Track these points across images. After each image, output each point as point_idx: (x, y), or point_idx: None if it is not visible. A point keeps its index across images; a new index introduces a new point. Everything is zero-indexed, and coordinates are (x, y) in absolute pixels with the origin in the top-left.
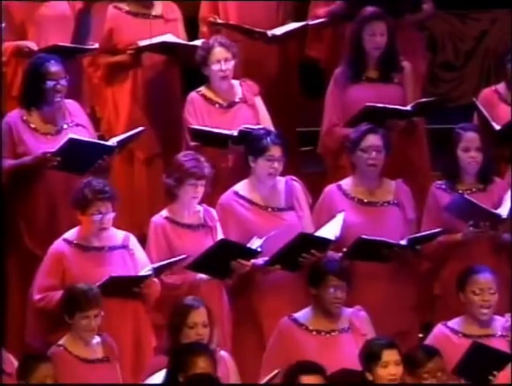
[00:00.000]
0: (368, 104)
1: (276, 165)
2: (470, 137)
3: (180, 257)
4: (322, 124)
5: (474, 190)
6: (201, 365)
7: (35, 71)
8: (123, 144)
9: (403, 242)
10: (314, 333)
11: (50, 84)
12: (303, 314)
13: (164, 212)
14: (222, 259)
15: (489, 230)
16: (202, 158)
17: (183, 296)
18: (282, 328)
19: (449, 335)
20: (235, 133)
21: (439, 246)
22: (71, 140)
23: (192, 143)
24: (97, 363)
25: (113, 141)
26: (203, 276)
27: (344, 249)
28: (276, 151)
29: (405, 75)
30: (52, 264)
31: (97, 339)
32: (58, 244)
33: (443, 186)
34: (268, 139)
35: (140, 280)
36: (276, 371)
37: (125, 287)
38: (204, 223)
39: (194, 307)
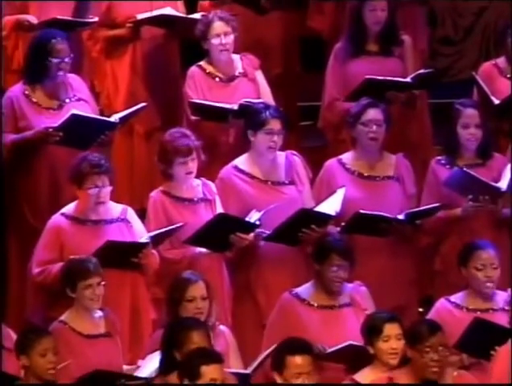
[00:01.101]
0: (368, 76)
1: (275, 138)
2: (469, 114)
3: (177, 225)
4: (323, 98)
5: (473, 165)
6: (195, 340)
7: (40, 46)
8: (125, 120)
9: (401, 217)
10: (316, 308)
11: (54, 61)
12: (304, 289)
13: (163, 187)
14: (221, 233)
15: (488, 204)
16: (188, 132)
17: (184, 270)
18: (284, 303)
19: (452, 310)
20: (235, 107)
21: (438, 221)
22: (73, 115)
23: (193, 117)
24: (98, 338)
25: (115, 118)
26: (203, 250)
27: (343, 223)
28: (275, 125)
29: (405, 49)
30: (51, 238)
31: (99, 314)
32: (56, 218)
33: (443, 162)
34: (267, 113)
35: (137, 247)
36: (274, 347)
37: (123, 256)
38: (203, 196)
39: (192, 281)
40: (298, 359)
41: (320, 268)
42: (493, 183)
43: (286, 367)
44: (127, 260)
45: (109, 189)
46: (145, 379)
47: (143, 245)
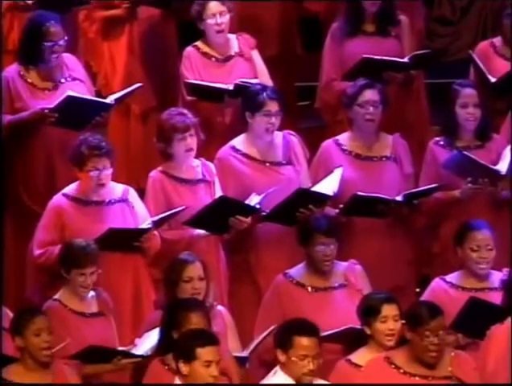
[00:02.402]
0: (365, 56)
1: (273, 120)
2: (468, 94)
3: (179, 209)
4: (320, 78)
5: (472, 146)
6: (194, 320)
7: (34, 30)
8: (120, 100)
9: (399, 198)
10: (309, 290)
11: (48, 44)
12: (297, 271)
13: (162, 167)
14: (221, 215)
15: (487, 186)
16: (184, 111)
17: (181, 251)
18: (278, 285)
19: (447, 289)
20: (231, 87)
21: (437, 203)
22: (69, 97)
23: (188, 97)
24: (92, 317)
25: (110, 99)
26: (201, 232)
27: (341, 206)
28: (273, 106)
29: (402, 29)
30: (52, 218)
31: (91, 294)
32: (57, 199)
33: (442, 143)
34: (264, 94)
35: (140, 233)
36: (271, 328)
37: (125, 240)
38: (202, 177)
39: (189, 262)
40: (305, 341)
41: (306, 250)
42: (493, 166)
43: (293, 347)
44: (129, 244)
45: (109, 171)
46: (140, 356)
47: (145, 231)
